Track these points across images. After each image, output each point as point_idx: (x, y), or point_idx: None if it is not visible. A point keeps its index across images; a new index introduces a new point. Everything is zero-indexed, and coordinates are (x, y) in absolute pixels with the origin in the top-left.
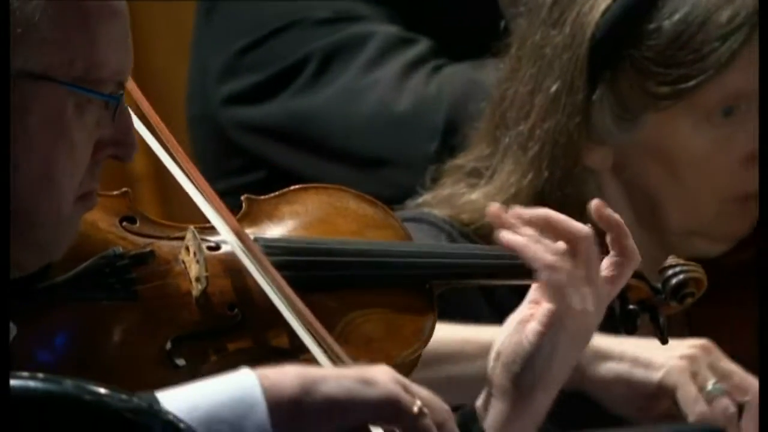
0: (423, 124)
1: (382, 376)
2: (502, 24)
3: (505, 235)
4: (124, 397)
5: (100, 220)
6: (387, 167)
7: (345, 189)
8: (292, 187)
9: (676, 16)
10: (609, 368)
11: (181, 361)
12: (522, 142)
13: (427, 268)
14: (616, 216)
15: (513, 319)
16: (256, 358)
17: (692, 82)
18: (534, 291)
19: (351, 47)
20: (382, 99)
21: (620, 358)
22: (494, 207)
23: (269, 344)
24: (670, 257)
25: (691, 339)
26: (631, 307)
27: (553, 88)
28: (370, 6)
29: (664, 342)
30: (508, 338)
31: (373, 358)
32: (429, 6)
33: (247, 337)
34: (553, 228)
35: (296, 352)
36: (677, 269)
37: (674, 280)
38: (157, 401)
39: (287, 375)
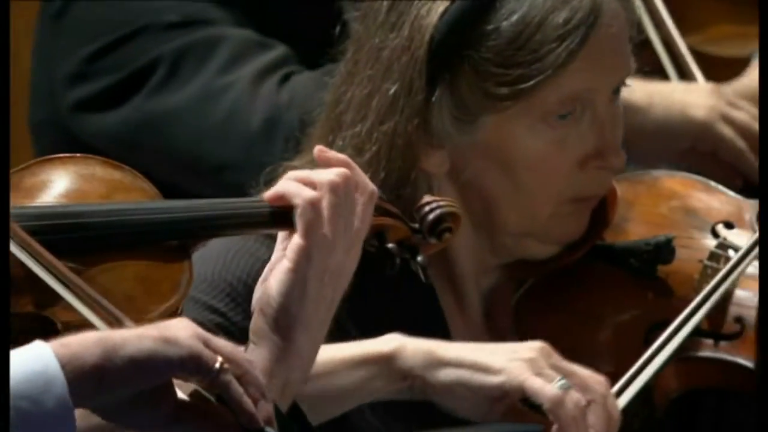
0: (274, 131)
1: (182, 333)
2: (338, 28)
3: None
4: None
5: None
6: (235, 174)
7: (91, 156)
8: (36, 160)
9: (514, 17)
10: (447, 374)
11: None
12: (358, 144)
13: (179, 223)
14: (341, 155)
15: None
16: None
17: (531, 83)
18: (286, 234)
19: (202, 50)
20: (233, 105)
21: (458, 363)
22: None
23: None
24: (426, 195)
25: (527, 342)
26: (389, 246)
27: (392, 91)
28: (222, 9)
29: (427, 279)
30: (261, 283)
31: (132, 316)
32: (282, 12)
33: None
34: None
35: None
36: (434, 205)
37: (431, 216)
38: None
39: (87, 342)
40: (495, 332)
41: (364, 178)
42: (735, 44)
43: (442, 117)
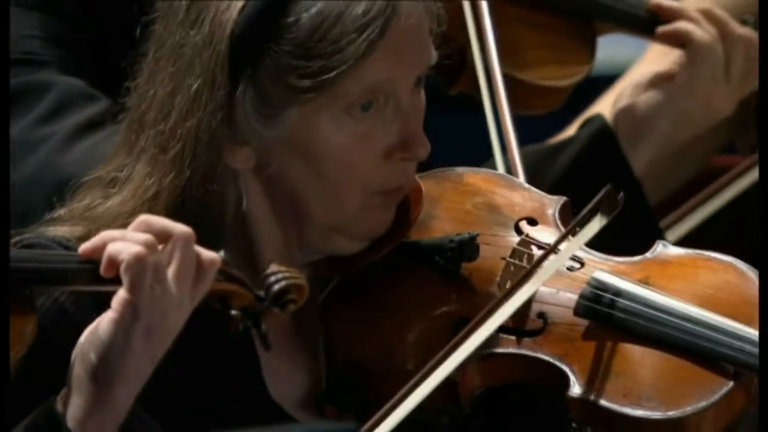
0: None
1: None
2: (137, 32)
3: (84, 245)
4: None
5: None
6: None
7: None
8: None
9: (313, 9)
10: None
11: None
12: (162, 143)
13: (25, 273)
14: (184, 227)
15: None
16: None
17: (332, 74)
18: None
19: (29, 96)
20: (46, 156)
21: None
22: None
23: None
24: (273, 264)
25: None
26: (233, 312)
27: (194, 87)
28: (57, 50)
29: (267, 348)
30: (90, 329)
31: None
32: (119, 52)
33: None
34: (151, 230)
35: None
36: (279, 276)
37: (276, 287)
38: None
39: None
40: (302, 331)
41: (212, 255)
42: (548, 70)
43: (246, 112)
